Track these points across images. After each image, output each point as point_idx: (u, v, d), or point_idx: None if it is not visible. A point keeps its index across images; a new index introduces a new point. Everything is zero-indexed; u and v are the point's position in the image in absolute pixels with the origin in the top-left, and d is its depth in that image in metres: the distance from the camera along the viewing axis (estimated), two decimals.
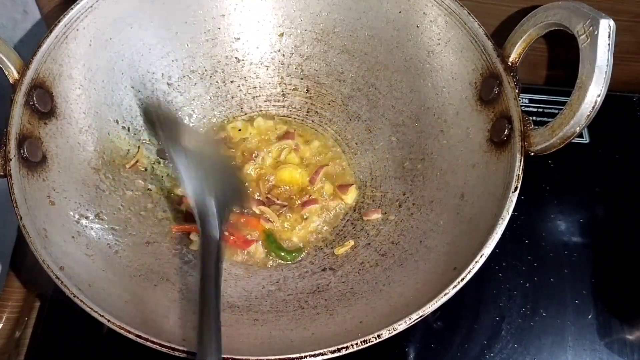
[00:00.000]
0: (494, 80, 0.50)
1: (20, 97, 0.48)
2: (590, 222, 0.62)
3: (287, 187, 0.59)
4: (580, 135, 0.66)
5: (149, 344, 0.40)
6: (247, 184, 0.58)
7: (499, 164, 0.49)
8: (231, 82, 0.63)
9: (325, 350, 0.40)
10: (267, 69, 0.64)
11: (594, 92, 0.43)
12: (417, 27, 0.56)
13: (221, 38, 0.62)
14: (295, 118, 0.64)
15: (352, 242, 0.55)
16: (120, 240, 0.51)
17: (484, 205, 0.48)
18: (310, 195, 0.58)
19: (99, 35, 0.54)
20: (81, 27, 0.53)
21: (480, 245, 0.43)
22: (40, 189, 0.48)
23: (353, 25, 0.60)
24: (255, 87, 0.64)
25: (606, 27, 0.42)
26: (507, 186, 0.46)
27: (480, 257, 0.43)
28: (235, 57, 0.63)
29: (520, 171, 0.46)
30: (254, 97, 0.64)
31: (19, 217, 0.44)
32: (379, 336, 0.40)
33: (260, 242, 0.56)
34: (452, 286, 0.42)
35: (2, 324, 0.55)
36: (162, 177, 0.59)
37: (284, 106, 0.64)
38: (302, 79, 0.64)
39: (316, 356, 0.39)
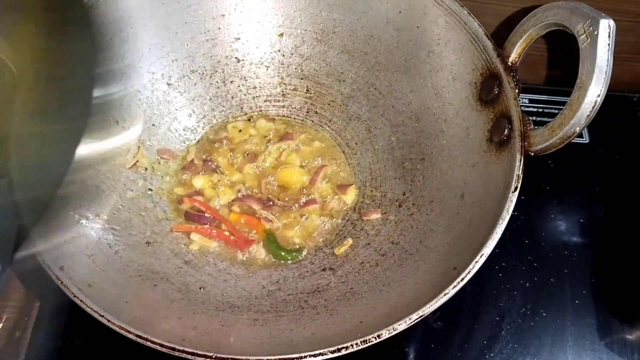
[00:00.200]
0: (494, 80, 0.50)
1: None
2: (590, 222, 0.62)
3: (288, 188, 0.59)
4: (580, 135, 0.66)
5: (149, 344, 0.40)
6: (248, 184, 0.59)
7: (499, 164, 0.49)
8: (231, 82, 0.63)
9: (325, 350, 0.40)
10: (267, 69, 0.64)
11: (594, 92, 0.43)
12: (417, 27, 0.56)
13: (221, 38, 0.62)
14: (295, 118, 0.64)
15: (350, 241, 0.55)
16: (120, 240, 0.51)
17: (484, 205, 0.48)
18: (310, 196, 0.58)
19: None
20: None
21: (480, 245, 0.43)
22: None
23: (353, 25, 0.60)
24: (255, 87, 0.64)
25: (606, 27, 0.42)
26: (507, 186, 0.46)
27: (480, 257, 0.43)
28: (235, 57, 0.63)
29: (520, 171, 0.46)
30: (254, 97, 0.64)
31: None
32: (379, 336, 0.40)
33: (260, 242, 0.56)
34: (452, 286, 0.42)
35: (2, 324, 0.55)
36: (162, 177, 0.59)
37: (284, 106, 0.64)
38: (302, 79, 0.64)
39: (316, 356, 0.39)
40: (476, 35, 0.52)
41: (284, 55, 0.63)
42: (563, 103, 0.45)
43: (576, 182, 0.64)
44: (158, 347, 0.40)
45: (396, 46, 0.58)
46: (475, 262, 0.43)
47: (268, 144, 0.61)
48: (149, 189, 0.57)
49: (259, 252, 0.55)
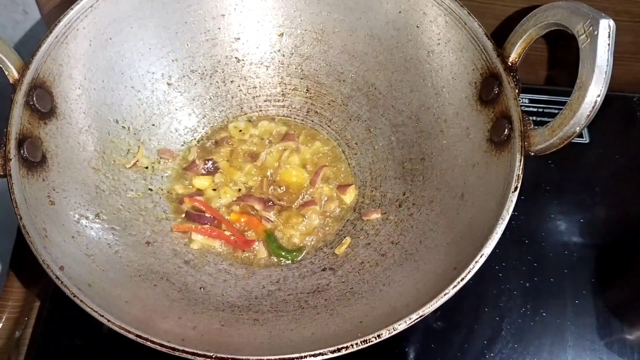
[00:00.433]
0: (494, 80, 0.50)
1: (20, 97, 0.48)
2: (590, 222, 0.62)
3: (288, 188, 0.59)
4: (580, 135, 0.66)
5: (148, 344, 0.40)
6: (249, 184, 0.59)
7: (499, 164, 0.49)
8: (231, 82, 0.63)
9: (325, 350, 0.40)
10: (267, 69, 0.64)
11: (594, 92, 0.43)
12: (417, 27, 0.56)
13: (221, 38, 0.62)
14: (295, 118, 0.64)
15: (349, 240, 0.55)
16: (120, 240, 0.51)
17: (484, 205, 0.48)
18: (310, 196, 0.58)
19: (99, 35, 0.54)
20: (81, 27, 0.53)
21: (480, 245, 0.43)
22: (40, 189, 0.48)
23: (353, 25, 0.60)
24: (255, 87, 0.64)
25: (606, 27, 0.42)
26: (507, 186, 0.46)
27: (480, 257, 0.43)
28: (235, 57, 0.63)
29: (520, 171, 0.46)
30: (254, 97, 0.64)
31: (18, 217, 0.44)
32: (379, 336, 0.40)
33: (260, 242, 0.56)
34: (452, 286, 0.42)
35: (2, 324, 0.55)
36: (163, 177, 0.59)
37: (284, 106, 0.64)
38: (302, 79, 0.64)
39: (316, 356, 0.39)
40: (476, 35, 0.52)
41: (284, 55, 0.63)
42: (563, 103, 0.45)
43: (576, 182, 0.64)
44: (158, 347, 0.40)
45: (396, 46, 0.58)
46: (475, 262, 0.43)
47: (269, 145, 0.61)
48: (149, 189, 0.57)
49: (259, 252, 0.55)
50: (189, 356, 0.39)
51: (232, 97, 0.63)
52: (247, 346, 0.45)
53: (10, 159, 0.46)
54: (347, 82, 0.62)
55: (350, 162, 0.61)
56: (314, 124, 0.63)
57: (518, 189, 0.45)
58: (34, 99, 0.49)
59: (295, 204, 0.57)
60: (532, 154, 0.47)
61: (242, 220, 0.56)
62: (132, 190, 0.56)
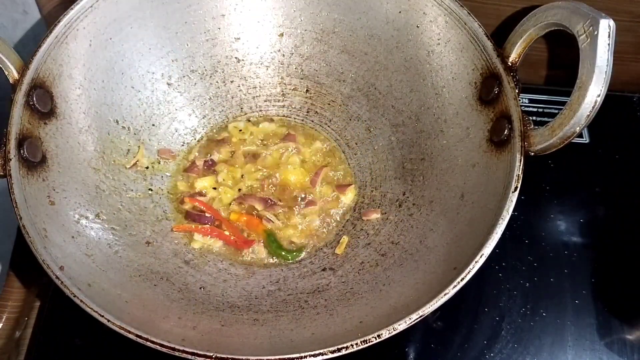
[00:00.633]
0: (494, 80, 0.50)
1: (20, 97, 0.48)
2: (590, 222, 0.62)
3: (288, 188, 0.59)
4: (580, 135, 0.66)
5: (149, 344, 0.40)
6: (249, 184, 0.59)
7: (499, 164, 0.49)
8: (231, 82, 0.63)
9: (325, 350, 0.40)
10: (267, 69, 0.64)
11: (594, 92, 0.43)
12: (417, 27, 0.56)
13: (221, 38, 0.62)
14: (295, 118, 0.64)
15: (347, 239, 0.55)
16: (120, 240, 0.51)
17: (484, 205, 0.48)
18: (310, 196, 0.58)
19: (99, 35, 0.54)
20: (81, 27, 0.53)
21: (480, 245, 0.43)
22: (40, 189, 0.48)
23: (353, 25, 0.60)
24: (255, 87, 0.64)
25: (606, 27, 0.42)
26: (507, 186, 0.46)
27: (480, 257, 0.43)
28: (235, 57, 0.63)
29: (520, 171, 0.46)
30: (254, 97, 0.64)
31: (18, 217, 0.44)
32: (379, 336, 0.40)
33: (260, 242, 0.56)
34: (452, 286, 0.42)
35: (2, 324, 0.55)
36: (163, 177, 0.59)
37: (283, 106, 0.64)
38: (302, 79, 0.64)
39: (316, 356, 0.39)
40: (476, 35, 0.52)
41: (284, 55, 0.63)
42: (563, 103, 0.45)
43: (576, 182, 0.64)
44: (158, 347, 0.40)
45: (396, 46, 0.58)
46: (475, 262, 0.43)
47: (269, 145, 0.61)
48: (149, 189, 0.57)
49: (259, 252, 0.55)
50: (189, 356, 0.39)
51: (232, 97, 0.63)
52: (247, 346, 0.45)
53: (10, 159, 0.46)
54: (347, 82, 0.62)
55: (350, 162, 0.61)
56: (314, 124, 0.63)
57: (518, 189, 0.45)
58: (34, 99, 0.49)
59: (295, 204, 0.57)
60: (532, 154, 0.47)
61: (242, 220, 0.56)
62: (132, 190, 0.56)
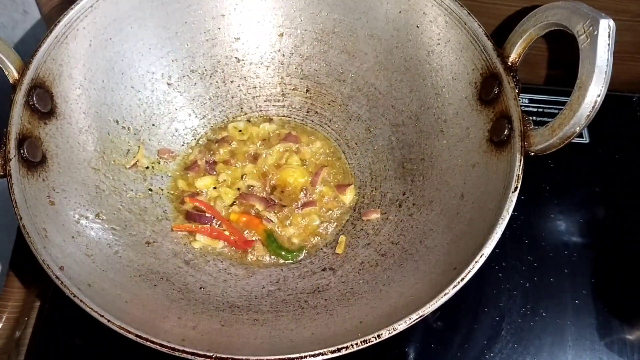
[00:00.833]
0: (494, 80, 0.50)
1: (20, 97, 0.48)
2: (590, 222, 0.62)
3: (288, 188, 0.59)
4: (580, 135, 0.66)
5: (149, 344, 0.40)
6: (249, 184, 0.59)
7: (499, 164, 0.49)
8: (231, 82, 0.63)
9: (325, 350, 0.40)
10: (267, 69, 0.64)
11: (594, 92, 0.43)
12: (417, 27, 0.56)
13: (221, 38, 0.62)
14: (295, 118, 0.64)
15: (344, 238, 0.55)
16: (120, 240, 0.51)
17: (484, 205, 0.48)
18: (310, 196, 0.58)
19: (99, 35, 0.54)
20: (81, 27, 0.53)
21: (480, 245, 0.43)
22: (40, 189, 0.48)
23: (353, 25, 0.60)
24: (255, 87, 0.64)
25: (606, 27, 0.42)
26: (507, 186, 0.46)
27: (480, 257, 0.43)
28: (235, 57, 0.63)
29: (520, 171, 0.46)
30: (253, 97, 0.64)
31: (18, 217, 0.44)
32: (379, 336, 0.40)
33: (260, 242, 0.56)
34: (452, 286, 0.42)
35: (2, 324, 0.55)
36: (163, 177, 0.59)
37: (283, 106, 0.64)
38: (302, 79, 0.64)
39: (316, 356, 0.39)
40: (476, 35, 0.52)
41: (284, 55, 0.63)
42: (563, 103, 0.45)
43: (576, 182, 0.64)
44: (158, 347, 0.40)
45: (396, 46, 0.58)
46: (475, 262, 0.43)
47: (269, 145, 0.61)
48: (149, 189, 0.57)
49: (259, 252, 0.55)
50: (189, 356, 0.39)
51: (232, 97, 0.63)
52: (247, 346, 0.45)
53: (10, 159, 0.46)
54: (347, 82, 0.62)
55: (350, 162, 0.61)
56: (314, 124, 0.63)
57: (518, 189, 0.45)
58: (34, 99, 0.49)
59: (295, 204, 0.57)
60: (532, 154, 0.47)
61: (242, 220, 0.56)
62: (132, 190, 0.56)
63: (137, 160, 0.58)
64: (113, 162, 0.56)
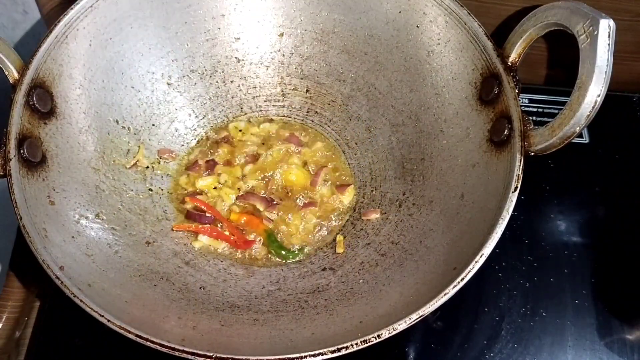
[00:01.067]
0: (494, 80, 0.50)
1: (20, 97, 0.48)
2: (590, 222, 0.62)
3: (288, 188, 0.59)
4: (580, 135, 0.66)
5: (149, 344, 0.40)
6: (250, 184, 0.59)
7: (499, 164, 0.49)
8: (231, 82, 0.63)
9: (325, 350, 0.40)
10: (267, 69, 0.64)
11: (594, 92, 0.43)
12: (417, 27, 0.56)
13: (221, 38, 0.62)
14: (295, 118, 0.64)
15: (342, 238, 0.55)
16: (120, 240, 0.51)
17: (484, 205, 0.48)
18: (310, 196, 0.58)
19: (99, 35, 0.54)
20: (81, 27, 0.53)
21: (480, 245, 0.43)
22: (40, 189, 0.48)
23: (353, 25, 0.60)
24: (255, 87, 0.64)
25: (606, 27, 0.42)
26: (507, 186, 0.46)
27: (480, 257, 0.43)
28: (235, 57, 0.63)
29: (520, 171, 0.46)
30: (253, 97, 0.64)
31: (18, 217, 0.44)
32: (379, 336, 0.40)
33: (260, 242, 0.56)
34: (452, 286, 0.42)
35: (2, 324, 0.55)
36: (163, 177, 0.59)
37: (283, 106, 0.64)
38: (302, 79, 0.64)
39: (316, 356, 0.39)
40: (476, 35, 0.52)
41: (284, 55, 0.63)
42: (563, 103, 0.45)
43: (576, 182, 0.64)
44: (158, 347, 0.40)
45: (396, 46, 0.58)
46: (475, 262, 0.43)
47: (270, 145, 0.61)
48: (149, 189, 0.57)
49: (259, 252, 0.55)
50: (189, 356, 0.39)
51: (232, 97, 0.63)
52: (247, 346, 0.45)
53: (10, 159, 0.46)
54: (347, 82, 0.62)
55: (350, 162, 0.61)
56: (314, 124, 0.63)
57: (518, 189, 0.45)
58: (34, 99, 0.49)
59: (296, 204, 0.57)
60: (532, 154, 0.47)
61: (243, 220, 0.56)
62: (132, 190, 0.56)
63: (137, 160, 0.58)
64: (113, 162, 0.56)
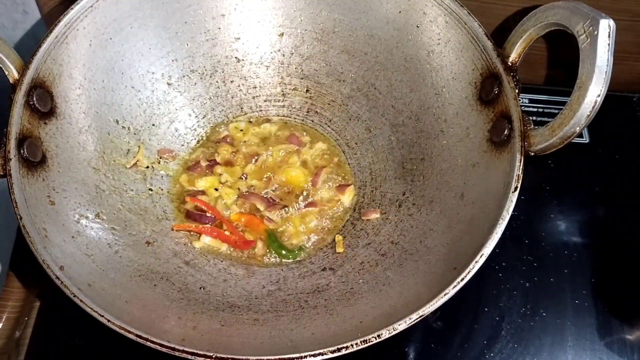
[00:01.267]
0: (494, 80, 0.50)
1: (20, 97, 0.48)
2: (590, 222, 0.62)
3: (289, 188, 0.59)
4: (580, 135, 0.66)
5: (149, 344, 0.40)
6: (250, 184, 0.59)
7: (499, 164, 0.49)
8: (231, 82, 0.63)
9: (325, 350, 0.40)
10: (267, 69, 0.64)
11: (594, 92, 0.43)
12: (417, 27, 0.56)
13: (221, 38, 0.62)
14: (295, 118, 0.64)
15: (341, 238, 0.55)
16: (120, 240, 0.51)
17: (484, 205, 0.48)
18: (310, 196, 0.58)
19: (99, 35, 0.54)
20: (81, 27, 0.53)
21: (480, 245, 0.43)
22: (40, 189, 0.48)
23: (353, 25, 0.60)
24: (255, 87, 0.64)
25: (606, 27, 0.42)
26: (507, 186, 0.46)
27: (480, 257, 0.43)
28: (235, 57, 0.63)
29: (520, 171, 0.46)
30: (254, 97, 0.64)
31: (18, 217, 0.44)
32: (379, 336, 0.40)
33: (261, 241, 0.56)
34: (452, 286, 0.42)
35: (2, 324, 0.55)
36: (163, 177, 0.59)
37: (283, 106, 0.64)
38: (302, 79, 0.64)
39: (316, 356, 0.39)
40: (476, 35, 0.52)
41: (284, 55, 0.63)
42: (563, 103, 0.45)
43: (576, 182, 0.64)
44: (158, 347, 0.40)
45: (396, 46, 0.58)
46: (475, 262, 0.43)
47: (270, 145, 0.61)
48: (149, 189, 0.57)
49: (259, 252, 0.55)
50: (189, 356, 0.39)
51: (232, 97, 0.63)
52: (247, 346, 0.45)
53: (10, 159, 0.46)
54: (347, 82, 0.62)
55: (350, 162, 0.61)
56: (314, 124, 0.63)
57: (518, 189, 0.45)
58: (34, 99, 0.49)
59: (296, 204, 0.57)
60: (532, 154, 0.47)
61: (243, 220, 0.56)
62: (132, 190, 0.56)
63: (137, 160, 0.58)
64: (113, 162, 0.56)
